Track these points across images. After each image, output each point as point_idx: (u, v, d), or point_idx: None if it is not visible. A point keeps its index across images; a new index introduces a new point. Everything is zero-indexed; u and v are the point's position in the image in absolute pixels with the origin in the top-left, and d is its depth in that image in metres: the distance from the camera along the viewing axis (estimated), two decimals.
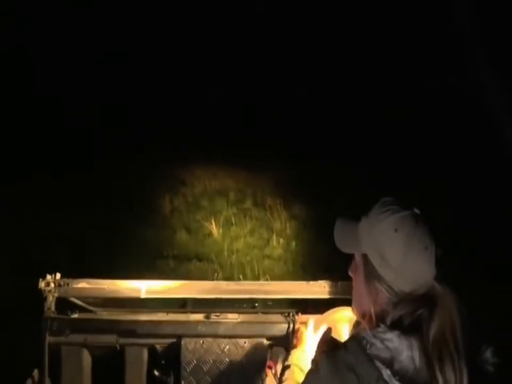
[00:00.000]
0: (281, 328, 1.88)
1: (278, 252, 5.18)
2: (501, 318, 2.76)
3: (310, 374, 1.07)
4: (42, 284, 1.86)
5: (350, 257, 1.19)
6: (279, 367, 1.83)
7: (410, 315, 1.02)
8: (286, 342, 1.84)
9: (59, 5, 9.42)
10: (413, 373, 0.96)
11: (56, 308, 1.88)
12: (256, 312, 1.97)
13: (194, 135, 8.77)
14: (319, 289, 1.91)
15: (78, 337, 1.86)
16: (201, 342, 1.85)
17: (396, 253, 1.05)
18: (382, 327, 1.00)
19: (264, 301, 2.02)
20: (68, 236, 4.92)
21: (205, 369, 1.84)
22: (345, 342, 1.02)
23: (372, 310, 1.08)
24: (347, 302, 1.81)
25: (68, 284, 1.87)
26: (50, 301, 1.87)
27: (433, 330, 0.99)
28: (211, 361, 1.85)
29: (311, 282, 1.94)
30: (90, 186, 6.41)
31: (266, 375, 1.84)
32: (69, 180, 6.43)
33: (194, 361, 1.84)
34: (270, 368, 1.86)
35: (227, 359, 1.85)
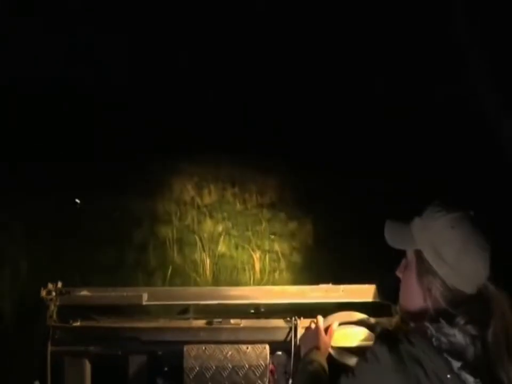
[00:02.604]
0: (283, 333, 1.88)
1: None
2: None
3: (366, 364, 1.06)
4: (43, 292, 1.86)
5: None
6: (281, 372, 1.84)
7: (465, 313, 1.03)
8: (288, 347, 1.85)
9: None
10: (480, 367, 0.98)
11: (58, 316, 1.88)
12: (258, 318, 1.97)
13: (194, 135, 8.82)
14: (321, 293, 1.92)
15: (80, 346, 1.86)
16: (203, 348, 1.85)
17: (452, 250, 1.07)
18: (443, 322, 1.01)
19: (266, 306, 2.02)
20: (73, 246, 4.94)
21: (207, 376, 1.84)
22: (407, 336, 1.02)
23: (430, 306, 1.08)
24: (349, 307, 1.84)
25: (69, 292, 1.87)
26: (52, 309, 1.87)
27: (490, 330, 1.00)
28: (214, 367, 1.84)
29: (313, 287, 1.95)
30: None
31: (269, 380, 1.85)
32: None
33: (197, 368, 1.84)
34: (272, 372, 1.87)
35: (230, 365, 1.85)
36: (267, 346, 1.87)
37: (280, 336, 1.88)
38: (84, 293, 1.88)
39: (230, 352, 1.85)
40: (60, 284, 1.88)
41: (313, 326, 1.68)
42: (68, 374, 1.86)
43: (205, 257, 4.85)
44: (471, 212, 1.12)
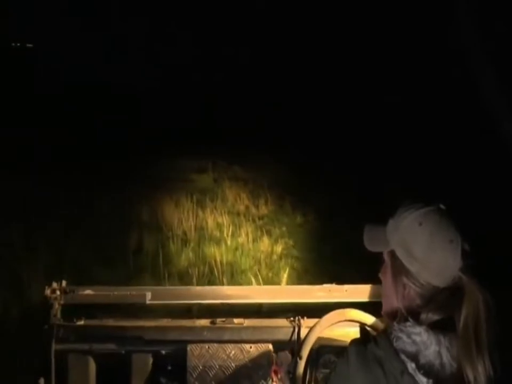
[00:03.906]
0: (286, 332, 1.88)
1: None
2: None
3: (339, 361, 1.09)
4: (48, 291, 1.87)
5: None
6: (284, 371, 1.84)
7: (439, 309, 1.05)
8: (292, 347, 1.84)
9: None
10: (439, 367, 0.99)
11: (62, 315, 1.89)
12: (261, 317, 1.97)
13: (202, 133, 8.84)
14: (325, 293, 1.91)
15: (84, 344, 1.87)
16: (206, 347, 1.85)
17: (421, 246, 1.08)
18: (411, 322, 1.03)
19: (269, 306, 2.02)
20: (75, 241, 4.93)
21: (210, 375, 1.84)
22: (376, 336, 1.05)
23: (401, 305, 1.11)
24: (353, 306, 1.83)
25: (73, 291, 1.88)
26: (56, 308, 1.87)
27: (461, 322, 1.01)
28: (217, 366, 1.84)
29: (317, 287, 1.94)
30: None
31: (272, 380, 1.84)
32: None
33: (200, 367, 1.84)
34: (276, 372, 1.87)
35: (233, 364, 1.85)
36: (270, 346, 1.87)
37: (284, 336, 1.88)
38: (88, 291, 1.89)
39: (233, 352, 1.85)
40: (64, 283, 1.89)
41: None
42: (72, 372, 1.87)
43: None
44: (440, 206, 1.13)
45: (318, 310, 1.88)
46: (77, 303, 1.90)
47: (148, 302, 1.89)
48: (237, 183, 7.29)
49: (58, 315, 1.87)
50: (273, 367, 1.86)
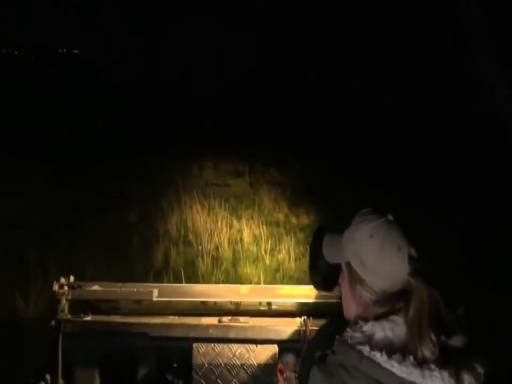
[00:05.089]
0: (293, 332, 1.88)
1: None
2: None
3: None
4: (56, 287, 1.88)
5: None
6: (289, 371, 1.84)
7: (384, 304, 1.15)
8: (297, 346, 1.84)
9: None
10: (389, 343, 1.09)
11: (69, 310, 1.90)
12: (267, 316, 1.97)
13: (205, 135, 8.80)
14: (331, 293, 1.90)
15: (91, 340, 1.88)
16: (212, 345, 1.86)
17: (372, 256, 1.18)
18: (360, 323, 1.13)
19: (276, 305, 2.02)
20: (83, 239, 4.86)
21: (216, 373, 1.84)
22: (333, 346, 1.13)
23: (358, 312, 1.21)
24: None
25: (81, 287, 1.89)
26: (64, 303, 1.89)
27: (409, 313, 1.11)
28: (222, 364, 1.85)
29: None
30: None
31: (277, 379, 1.84)
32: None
33: (206, 365, 1.84)
34: (281, 372, 1.87)
35: (238, 363, 1.85)
36: (276, 346, 1.87)
37: (290, 336, 1.88)
38: (95, 287, 1.90)
39: (238, 350, 1.86)
40: (72, 278, 1.90)
41: None
42: (79, 367, 1.88)
43: None
44: (389, 217, 1.22)
45: (324, 310, 1.88)
46: (85, 299, 1.91)
47: (154, 299, 1.89)
48: (275, 189, 6.78)
49: (66, 310, 1.89)
50: (279, 366, 1.86)
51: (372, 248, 1.19)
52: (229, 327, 1.89)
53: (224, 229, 5.16)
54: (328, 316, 1.82)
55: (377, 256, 1.18)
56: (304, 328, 1.86)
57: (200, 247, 4.81)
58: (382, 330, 1.10)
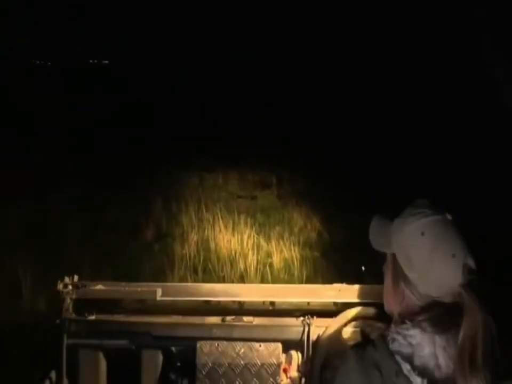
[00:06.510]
0: (296, 331, 1.87)
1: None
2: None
3: (341, 365, 1.09)
4: (60, 286, 1.89)
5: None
6: (293, 370, 1.84)
7: (435, 319, 1.03)
8: (301, 346, 1.84)
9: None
10: (435, 368, 0.98)
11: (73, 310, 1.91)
12: (271, 316, 1.97)
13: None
14: (335, 293, 1.90)
15: (95, 339, 1.88)
16: (216, 344, 1.86)
17: (421, 256, 1.06)
18: (407, 324, 1.03)
19: (279, 304, 2.02)
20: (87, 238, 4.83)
21: (220, 372, 1.84)
22: (374, 339, 1.05)
23: (399, 311, 1.10)
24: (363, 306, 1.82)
25: (85, 286, 1.90)
26: (68, 302, 1.90)
27: (458, 341, 0.98)
28: (226, 364, 1.85)
29: (327, 286, 1.94)
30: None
31: (281, 379, 1.84)
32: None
33: (210, 364, 1.84)
34: (286, 371, 1.86)
35: (242, 362, 1.85)
36: (280, 345, 1.87)
37: (293, 335, 1.87)
38: (99, 287, 1.91)
39: (242, 350, 1.86)
40: (76, 278, 1.91)
41: None
42: (83, 366, 1.89)
43: None
44: (447, 216, 1.09)
45: (328, 310, 1.88)
46: (89, 298, 1.92)
47: (158, 298, 1.90)
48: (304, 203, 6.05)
49: (70, 309, 1.90)
50: (283, 366, 1.86)
51: (421, 247, 1.06)
52: (233, 326, 1.90)
53: (250, 252, 4.45)
54: (332, 315, 1.84)
55: (426, 258, 1.05)
56: (308, 327, 1.86)
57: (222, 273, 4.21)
58: (431, 344, 0.99)
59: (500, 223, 4.81)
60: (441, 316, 1.03)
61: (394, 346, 1.00)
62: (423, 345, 0.99)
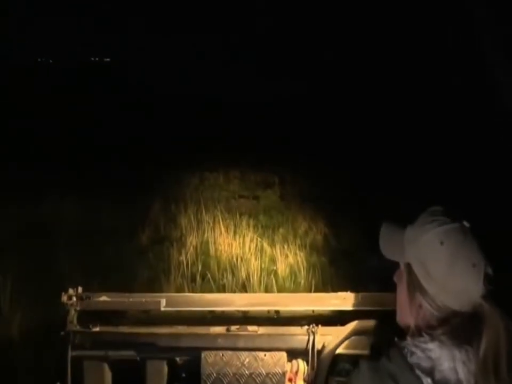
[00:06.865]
0: (301, 340, 1.87)
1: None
2: None
3: (353, 376, 1.05)
4: (64, 298, 1.89)
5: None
6: (299, 379, 1.83)
7: (455, 332, 0.99)
8: (307, 354, 1.83)
9: None
10: (457, 381, 0.95)
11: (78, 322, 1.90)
12: (275, 325, 1.96)
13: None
14: (339, 301, 1.90)
15: (100, 351, 1.88)
16: (221, 354, 1.85)
17: (440, 267, 1.02)
18: (425, 337, 0.99)
19: (284, 313, 2.02)
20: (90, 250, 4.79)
21: (225, 382, 1.84)
22: (388, 351, 1.01)
23: (415, 323, 1.05)
24: (368, 314, 1.82)
25: (89, 298, 1.90)
26: (72, 314, 1.89)
27: (480, 352, 0.96)
28: (231, 374, 1.84)
29: (332, 294, 1.93)
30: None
31: None
32: None
33: (214, 374, 1.84)
34: (291, 380, 1.86)
35: (247, 372, 1.84)
36: (284, 354, 1.86)
37: (298, 344, 1.87)
38: (104, 298, 1.91)
39: (247, 359, 1.85)
40: (80, 289, 1.91)
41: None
42: (88, 378, 1.88)
43: None
44: (465, 223, 1.06)
45: (333, 318, 1.88)
46: (93, 310, 1.92)
47: (162, 309, 1.90)
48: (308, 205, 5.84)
49: (75, 321, 1.89)
50: (288, 375, 1.85)
51: (440, 257, 1.01)
52: (237, 336, 1.89)
53: (253, 257, 4.16)
54: (337, 323, 1.83)
55: (446, 269, 1.01)
56: (313, 336, 1.85)
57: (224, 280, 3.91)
58: (451, 359, 0.95)
59: (500, 223, 4.80)
60: (459, 327, 0.99)
61: (413, 359, 0.96)
62: (443, 360, 0.96)
